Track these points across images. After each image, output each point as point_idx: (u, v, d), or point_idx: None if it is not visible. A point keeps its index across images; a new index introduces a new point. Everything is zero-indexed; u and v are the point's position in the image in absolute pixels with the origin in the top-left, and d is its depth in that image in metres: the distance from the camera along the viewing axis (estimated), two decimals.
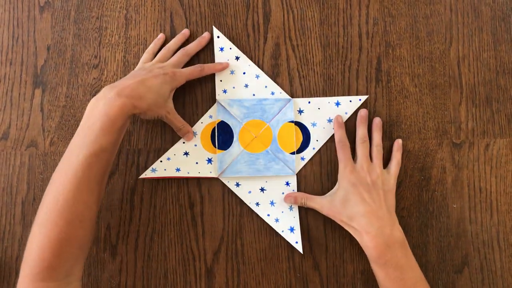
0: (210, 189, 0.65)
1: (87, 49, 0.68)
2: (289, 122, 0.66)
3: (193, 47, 0.67)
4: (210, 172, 0.65)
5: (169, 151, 0.65)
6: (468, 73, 0.67)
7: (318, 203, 0.62)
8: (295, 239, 0.63)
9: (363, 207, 0.58)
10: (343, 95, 0.67)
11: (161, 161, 0.65)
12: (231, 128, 0.66)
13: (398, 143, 0.65)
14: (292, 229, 0.64)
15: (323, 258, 0.64)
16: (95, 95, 0.66)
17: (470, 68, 0.67)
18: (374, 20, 0.68)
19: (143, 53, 0.67)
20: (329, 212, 0.61)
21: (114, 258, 0.64)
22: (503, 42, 0.67)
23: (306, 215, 0.65)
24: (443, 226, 0.64)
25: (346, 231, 0.60)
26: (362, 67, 0.67)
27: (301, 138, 0.66)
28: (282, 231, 0.64)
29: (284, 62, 0.67)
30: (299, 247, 0.63)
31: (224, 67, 0.66)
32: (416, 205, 0.65)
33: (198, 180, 0.66)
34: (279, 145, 0.65)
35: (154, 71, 0.62)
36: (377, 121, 0.65)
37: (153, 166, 0.64)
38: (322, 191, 0.65)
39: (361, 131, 0.64)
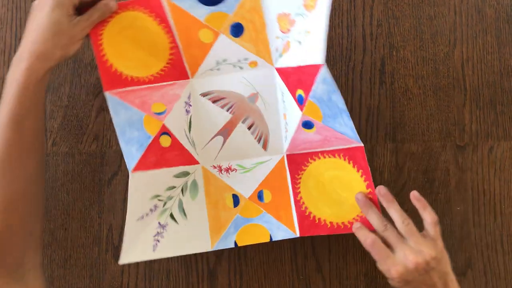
0: None
1: (90, 49, 0.67)
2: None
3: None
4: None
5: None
6: (472, 75, 0.67)
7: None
8: None
9: None
10: (346, 96, 0.66)
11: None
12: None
13: (419, 200, 0.55)
14: None
15: (326, 260, 0.64)
16: (97, 95, 0.66)
17: (474, 70, 0.67)
18: (378, 21, 0.68)
19: None
20: None
21: (116, 260, 0.64)
22: (507, 44, 0.67)
23: None
24: (446, 229, 0.64)
25: (350, 234, 0.60)
26: (366, 69, 0.67)
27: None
28: None
29: None
30: None
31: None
32: None
33: None
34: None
35: (34, 6, 0.52)
36: (383, 193, 0.55)
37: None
38: None
39: (375, 220, 0.54)
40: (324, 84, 0.50)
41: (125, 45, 0.56)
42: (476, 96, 0.67)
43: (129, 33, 0.56)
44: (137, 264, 0.64)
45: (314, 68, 0.50)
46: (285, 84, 0.57)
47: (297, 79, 0.54)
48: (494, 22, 0.68)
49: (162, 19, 0.55)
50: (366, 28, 0.68)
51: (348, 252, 0.64)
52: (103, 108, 0.66)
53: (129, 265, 0.64)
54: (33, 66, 0.50)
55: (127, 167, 0.57)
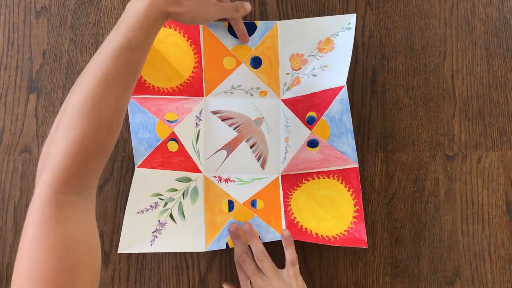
0: None
1: (83, 55, 0.67)
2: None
3: None
4: None
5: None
6: (462, 86, 0.68)
7: None
8: None
9: None
10: None
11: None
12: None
13: (286, 239, 0.60)
14: None
15: (317, 268, 0.64)
16: None
17: (464, 82, 0.68)
18: (370, 32, 0.69)
19: None
20: None
21: (107, 266, 0.64)
22: (496, 56, 0.69)
23: None
24: (435, 238, 0.65)
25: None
26: (358, 79, 0.68)
27: None
28: None
29: None
30: None
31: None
32: (409, 217, 0.65)
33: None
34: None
35: None
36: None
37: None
38: None
39: (238, 249, 0.60)
40: (340, 103, 0.60)
41: (155, 56, 0.63)
42: (465, 107, 0.68)
43: (161, 47, 0.63)
44: (128, 271, 0.64)
45: (333, 91, 0.60)
46: (292, 111, 0.64)
47: (309, 104, 0.63)
48: (483, 34, 0.69)
49: (194, 41, 0.64)
50: (358, 38, 0.68)
51: (339, 260, 0.65)
52: None
53: (119, 272, 0.64)
54: (155, 2, 0.52)
55: (134, 163, 0.61)
